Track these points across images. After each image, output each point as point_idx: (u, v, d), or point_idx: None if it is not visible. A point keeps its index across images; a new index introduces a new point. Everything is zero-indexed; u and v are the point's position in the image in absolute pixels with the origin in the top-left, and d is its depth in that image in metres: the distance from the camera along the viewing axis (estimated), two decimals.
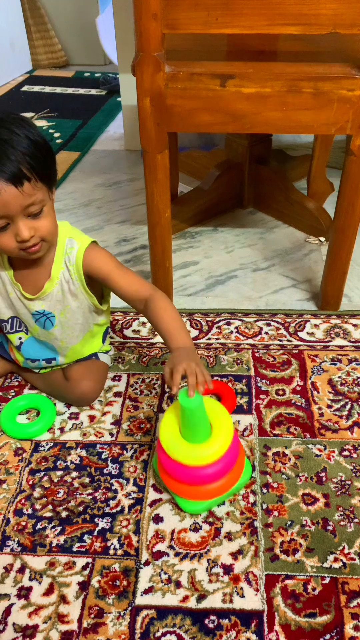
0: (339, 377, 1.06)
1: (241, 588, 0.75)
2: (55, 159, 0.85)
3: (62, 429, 0.98)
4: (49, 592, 0.75)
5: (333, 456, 0.91)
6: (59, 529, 0.82)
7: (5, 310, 0.95)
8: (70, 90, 2.77)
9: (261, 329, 1.19)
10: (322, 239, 1.49)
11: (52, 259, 0.90)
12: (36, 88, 2.80)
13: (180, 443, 0.80)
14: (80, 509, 0.85)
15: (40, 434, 0.97)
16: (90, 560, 0.78)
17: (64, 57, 3.14)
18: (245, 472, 0.86)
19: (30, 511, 0.85)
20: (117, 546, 0.80)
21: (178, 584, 0.75)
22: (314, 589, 0.74)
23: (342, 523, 0.82)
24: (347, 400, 1.01)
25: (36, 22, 3.00)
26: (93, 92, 2.74)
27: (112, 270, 0.91)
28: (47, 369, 1.03)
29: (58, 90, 2.77)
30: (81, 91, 2.76)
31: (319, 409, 1.00)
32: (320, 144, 1.54)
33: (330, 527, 0.81)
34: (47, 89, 2.78)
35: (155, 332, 1.18)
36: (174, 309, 0.90)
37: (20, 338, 0.98)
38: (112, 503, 0.85)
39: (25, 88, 2.80)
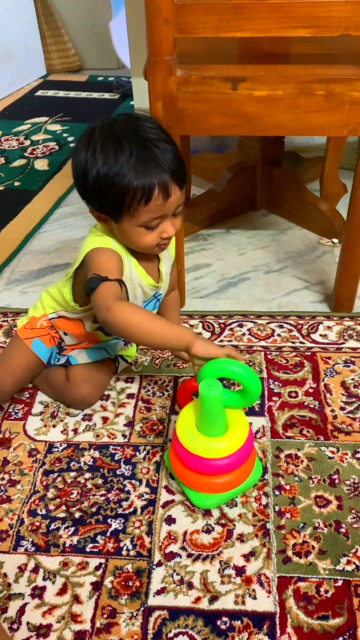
0: (352, 379, 1.06)
1: (253, 590, 0.75)
2: None
3: (75, 431, 0.98)
4: (62, 592, 0.76)
5: (346, 458, 0.91)
6: (72, 529, 0.83)
7: None
8: (83, 95, 2.78)
9: (274, 331, 1.18)
10: (335, 240, 1.49)
11: None
12: (50, 92, 2.82)
13: (196, 435, 0.81)
14: (94, 509, 0.86)
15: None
16: (103, 560, 0.79)
17: (77, 62, 3.16)
18: (255, 471, 0.86)
19: (44, 512, 0.86)
20: (130, 547, 0.80)
21: (190, 585, 0.75)
22: (326, 592, 0.74)
23: (355, 525, 0.82)
24: None
25: (50, 27, 3.02)
26: (106, 96, 2.76)
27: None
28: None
29: (72, 94, 2.79)
30: (95, 95, 2.77)
31: (332, 411, 1.00)
32: (333, 146, 1.54)
33: (343, 530, 0.81)
34: (61, 93, 2.80)
35: None
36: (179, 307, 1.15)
37: None
38: (124, 504, 0.86)
39: (39, 92, 2.82)
